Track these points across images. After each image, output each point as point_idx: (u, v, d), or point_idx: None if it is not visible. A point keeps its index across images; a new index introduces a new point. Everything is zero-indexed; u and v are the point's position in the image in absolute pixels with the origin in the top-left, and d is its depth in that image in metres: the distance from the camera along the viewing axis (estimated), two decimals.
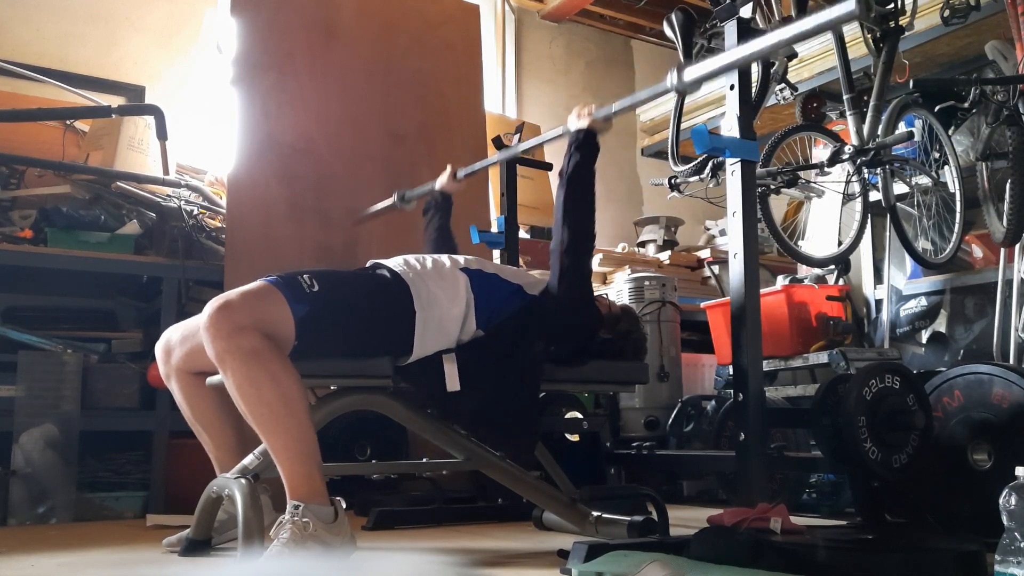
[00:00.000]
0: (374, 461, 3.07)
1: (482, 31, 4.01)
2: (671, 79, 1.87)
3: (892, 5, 2.90)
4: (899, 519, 2.37)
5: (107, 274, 3.11)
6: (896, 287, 3.62)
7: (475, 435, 2.09)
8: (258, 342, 1.72)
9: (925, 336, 3.51)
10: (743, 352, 1.94)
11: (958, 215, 3.06)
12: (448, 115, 3.75)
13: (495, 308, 2.02)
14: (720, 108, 4.15)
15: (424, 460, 2.40)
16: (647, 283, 3.50)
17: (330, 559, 1.68)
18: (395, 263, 2.03)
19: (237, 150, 3.26)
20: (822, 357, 3.02)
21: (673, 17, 2.68)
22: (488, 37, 4.78)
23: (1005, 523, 1.22)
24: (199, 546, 2.02)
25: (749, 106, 2.03)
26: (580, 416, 3.09)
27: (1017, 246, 2.98)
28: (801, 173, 2.84)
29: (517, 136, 3.13)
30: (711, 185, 2.88)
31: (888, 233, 3.31)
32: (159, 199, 3.31)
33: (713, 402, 3.26)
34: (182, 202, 3.31)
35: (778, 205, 3.94)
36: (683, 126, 3.08)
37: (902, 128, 2.94)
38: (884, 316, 3.59)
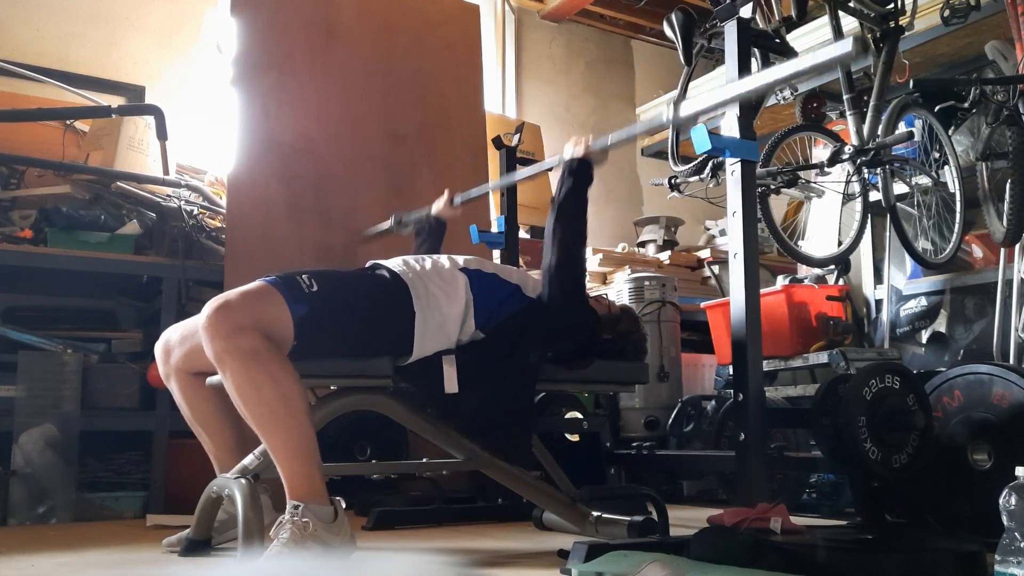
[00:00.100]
0: (374, 461, 3.07)
1: (482, 31, 4.01)
2: (667, 113, 1.89)
3: (892, 5, 2.90)
4: (899, 519, 2.37)
5: (107, 274, 3.10)
6: (896, 287, 3.62)
7: (470, 437, 2.08)
8: (257, 342, 1.72)
9: (925, 336, 3.51)
10: (743, 352, 1.94)
11: (958, 215, 3.06)
12: (448, 115, 3.75)
13: (494, 308, 2.02)
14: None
15: (424, 460, 2.40)
16: (647, 283, 3.50)
17: (330, 559, 1.68)
18: (394, 263, 2.03)
19: (237, 150, 3.26)
20: (822, 357, 3.02)
21: (673, 17, 2.67)
22: (488, 37, 4.79)
23: (1005, 523, 1.22)
24: (199, 546, 2.02)
25: (749, 106, 2.03)
26: (580, 416, 3.09)
27: (1017, 246, 2.98)
28: (801, 173, 2.84)
29: (517, 136, 3.13)
30: (711, 185, 2.88)
31: (888, 233, 3.31)
32: (159, 199, 3.31)
33: (713, 402, 3.26)
34: (182, 202, 3.31)
35: (778, 205, 3.94)
36: None
37: (902, 128, 2.94)
38: (884, 316, 3.59)
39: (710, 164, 2.80)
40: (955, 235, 3.06)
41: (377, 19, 3.65)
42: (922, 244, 3.11)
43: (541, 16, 5.33)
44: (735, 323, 1.97)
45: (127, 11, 4.04)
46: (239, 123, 3.28)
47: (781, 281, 3.36)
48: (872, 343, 3.60)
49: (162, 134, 3.06)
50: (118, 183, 3.24)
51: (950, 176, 3.10)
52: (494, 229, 3.10)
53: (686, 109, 1.87)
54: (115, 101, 3.69)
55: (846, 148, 2.77)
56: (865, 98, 2.85)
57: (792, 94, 3.01)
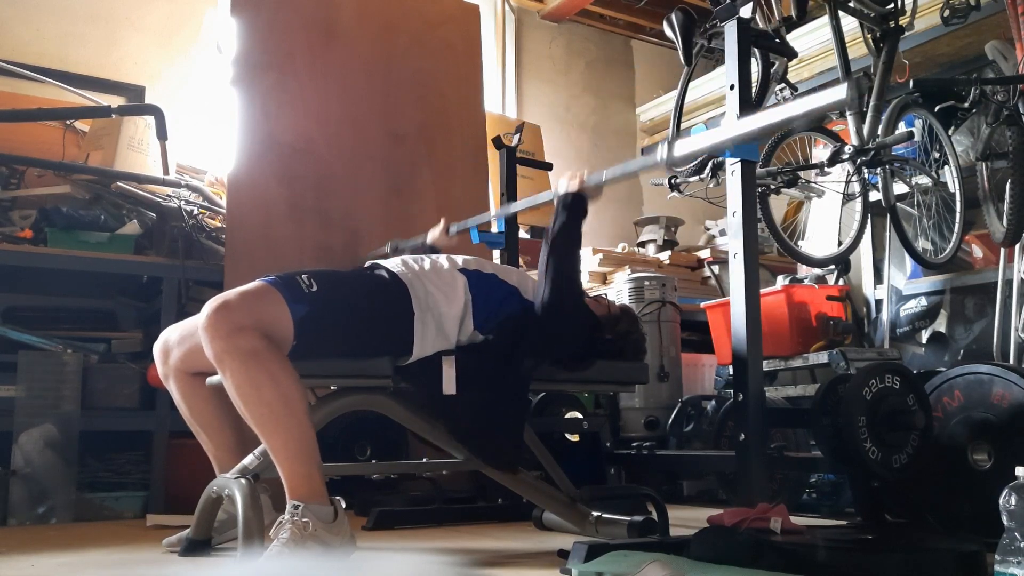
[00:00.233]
0: (374, 461, 3.07)
1: (482, 31, 4.01)
2: (661, 152, 1.90)
3: (892, 5, 2.90)
4: (899, 519, 2.37)
5: (107, 274, 3.10)
6: (896, 287, 3.62)
7: (460, 440, 2.07)
8: (257, 342, 1.72)
9: (925, 336, 3.51)
10: (743, 352, 1.94)
11: (958, 215, 3.06)
12: (448, 115, 3.75)
13: (493, 309, 2.02)
14: (720, 108, 4.16)
15: (424, 460, 2.40)
16: (647, 283, 3.50)
17: (330, 559, 1.68)
18: (393, 263, 2.03)
19: (237, 150, 3.26)
20: (822, 357, 3.02)
21: (673, 17, 2.67)
22: (488, 37, 4.78)
23: (1005, 523, 1.22)
24: (199, 546, 2.02)
25: (749, 106, 2.03)
26: (580, 416, 3.09)
27: (1017, 246, 2.98)
28: (801, 173, 2.84)
29: (517, 136, 3.13)
30: (711, 185, 2.88)
31: (888, 233, 3.31)
32: (159, 199, 3.31)
33: (713, 402, 3.26)
34: (182, 202, 3.32)
35: (778, 205, 3.94)
36: (683, 126, 3.08)
37: (902, 128, 2.94)
38: (884, 316, 3.59)
39: (710, 164, 2.80)
40: (955, 235, 3.06)
41: (377, 19, 3.65)
42: (922, 244, 3.11)
43: (541, 16, 5.33)
44: (735, 323, 1.97)
45: (127, 11, 4.04)
46: (239, 123, 3.28)
47: (781, 281, 3.36)
48: (872, 343, 3.60)
49: (162, 134, 3.06)
50: (118, 183, 3.24)
51: (950, 176, 3.10)
52: (494, 229, 3.09)
53: (681, 149, 1.87)
54: (115, 101, 3.69)
55: (846, 148, 2.77)
56: (865, 98, 2.85)
57: (792, 94, 3.01)
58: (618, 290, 3.58)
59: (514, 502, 2.62)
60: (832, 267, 3.48)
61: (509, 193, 3.08)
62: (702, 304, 3.56)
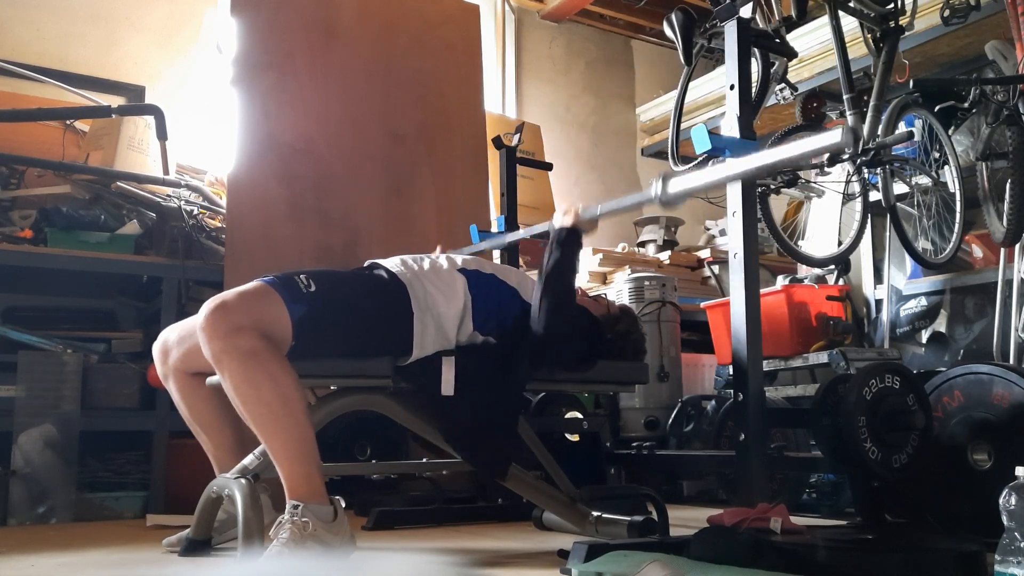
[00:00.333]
0: (374, 461, 3.07)
1: (482, 31, 4.01)
2: (656, 189, 1.87)
3: (892, 5, 2.90)
4: (899, 519, 2.37)
5: (107, 274, 3.11)
6: (896, 287, 3.62)
7: (453, 445, 2.05)
8: (256, 342, 1.72)
9: (925, 336, 3.51)
10: (743, 352, 1.94)
11: (958, 215, 3.06)
12: (448, 115, 3.75)
13: (492, 309, 2.02)
14: (720, 108, 4.15)
15: (424, 460, 2.40)
16: (647, 283, 3.50)
17: (330, 559, 1.68)
18: (392, 263, 2.03)
19: (237, 150, 3.26)
20: (822, 357, 3.02)
21: (673, 17, 2.67)
22: (488, 37, 4.78)
23: (1005, 523, 1.22)
24: (199, 546, 2.02)
25: (749, 106, 2.03)
26: (580, 416, 3.09)
27: (1017, 246, 2.98)
28: (801, 173, 2.84)
29: (517, 136, 3.13)
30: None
31: (888, 233, 3.31)
32: (159, 199, 3.31)
33: (713, 402, 3.26)
34: (182, 202, 3.32)
35: (778, 205, 3.94)
36: (683, 126, 3.08)
37: (902, 128, 2.94)
38: (884, 316, 3.59)
39: (710, 164, 2.80)
40: (955, 235, 3.06)
41: (377, 19, 3.65)
42: (922, 244, 3.11)
43: (541, 16, 5.33)
44: (735, 323, 1.97)
45: (127, 11, 4.04)
46: (239, 123, 3.28)
47: (781, 281, 3.36)
48: (872, 343, 3.60)
49: (162, 134, 3.06)
50: (118, 183, 3.24)
51: (950, 176, 3.10)
52: (494, 229, 3.10)
53: (675, 186, 1.85)
54: (115, 101, 3.69)
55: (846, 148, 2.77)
56: (865, 98, 2.84)
57: (792, 94, 3.02)
58: (618, 290, 3.58)
59: (514, 502, 2.62)
60: (832, 267, 3.48)
61: (509, 193, 3.08)
62: (702, 304, 3.56)
